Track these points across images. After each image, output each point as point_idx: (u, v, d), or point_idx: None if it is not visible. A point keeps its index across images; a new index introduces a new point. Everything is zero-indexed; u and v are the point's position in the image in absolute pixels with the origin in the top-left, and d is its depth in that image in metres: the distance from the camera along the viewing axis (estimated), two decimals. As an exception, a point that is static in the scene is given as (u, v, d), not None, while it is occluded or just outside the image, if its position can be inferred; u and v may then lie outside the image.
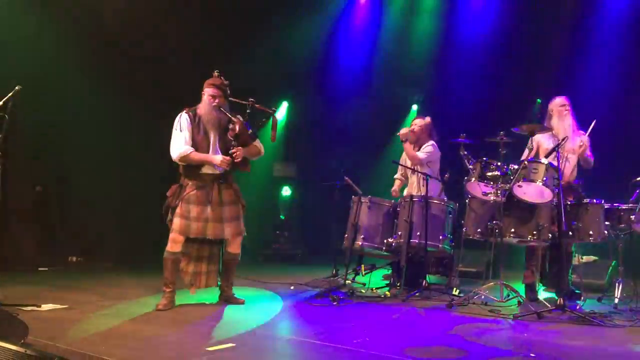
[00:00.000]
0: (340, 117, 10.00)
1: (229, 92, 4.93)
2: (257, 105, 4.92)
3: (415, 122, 6.36)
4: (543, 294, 5.72)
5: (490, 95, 8.71)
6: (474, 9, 9.42)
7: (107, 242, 7.81)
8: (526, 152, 5.41)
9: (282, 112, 10.44)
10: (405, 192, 6.33)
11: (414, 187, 6.21)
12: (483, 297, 5.06)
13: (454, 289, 5.69)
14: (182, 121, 4.81)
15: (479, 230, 5.30)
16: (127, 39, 7.76)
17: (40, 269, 6.82)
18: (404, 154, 6.42)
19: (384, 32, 10.11)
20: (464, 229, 5.43)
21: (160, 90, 7.72)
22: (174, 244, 4.74)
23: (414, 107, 10.43)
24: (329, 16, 10.05)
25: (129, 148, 7.91)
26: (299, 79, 9.89)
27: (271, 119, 4.94)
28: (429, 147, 6.16)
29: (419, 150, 6.19)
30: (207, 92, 4.88)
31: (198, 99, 4.93)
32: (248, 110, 4.89)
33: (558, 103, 5.72)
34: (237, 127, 4.82)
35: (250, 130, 4.90)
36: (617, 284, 5.28)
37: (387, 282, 6.13)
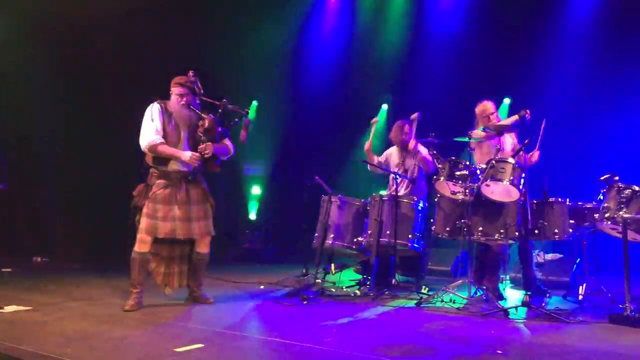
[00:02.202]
0: (309, 116, 10.00)
1: (197, 87, 4.85)
2: (230, 106, 4.87)
3: (406, 130, 6.28)
4: (509, 291, 5.80)
5: (459, 95, 8.80)
6: (443, 9, 9.52)
7: (72, 242, 7.67)
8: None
9: (250, 110, 10.40)
10: (384, 192, 6.35)
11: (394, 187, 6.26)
12: (452, 295, 5.11)
13: (423, 287, 5.73)
14: (153, 111, 4.75)
15: (447, 228, 5.35)
16: (91, 39, 7.64)
17: (3, 269, 6.65)
18: (388, 153, 6.45)
19: (354, 31, 10.14)
20: (432, 228, 5.48)
21: (125, 90, 7.62)
22: (142, 244, 4.68)
23: (384, 106, 10.49)
24: (300, 15, 10.04)
25: (95, 147, 7.79)
26: (268, 78, 9.86)
27: (243, 120, 4.91)
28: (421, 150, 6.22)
29: (407, 155, 6.26)
30: (174, 91, 4.82)
31: (164, 99, 4.87)
32: (220, 111, 4.85)
33: (485, 110, 5.74)
34: (206, 122, 4.77)
35: (221, 129, 4.87)
36: (581, 281, 5.38)
37: (357, 280, 6.15)
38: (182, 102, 4.78)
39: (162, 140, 4.71)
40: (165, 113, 4.77)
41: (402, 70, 9.70)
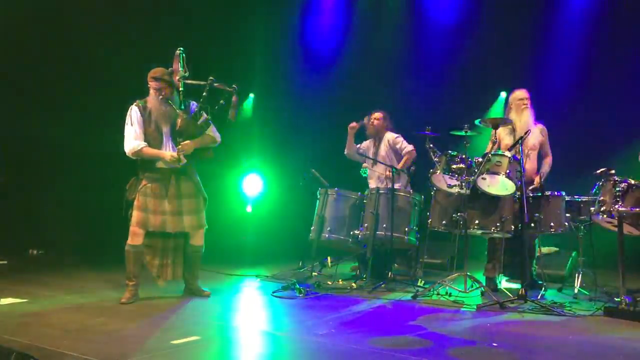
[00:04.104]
0: (306, 110, 9.97)
1: (178, 79, 4.71)
2: (216, 84, 4.75)
3: (375, 115, 6.41)
4: (506, 284, 5.83)
5: (455, 89, 8.80)
6: (439, 1, 9.48)
7: (69, 235, 7.64)
8: (490, 145, 5.49)
9: (248, 103, 10.37)
10: (370, 184, 6.37)
11: (373, 180, 6.28)
12: (447, 288, 5.13)
13: (419, 280, 5.75)
14: (132, 115, 4.72)
15: (443, 222, 5.36)
16: (85, 31, 7.58)
17: (-1, 262, 6.65)
18: (366, 143, 6.48)
19: (351, 23, 10.10)
20: (429, 221, 5.48)
21: (119, 83, 7.58)
22: (134, 236, 4.68)
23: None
24: (296, 7, 9.99)
25: (90, 141, 7.74)
26: (266, 70, 9.82)
27: (231, 98, 4.76)
28: (389, 137, 6.25)
29: (380, 144, 6.26)
30: (151, 86, 4.77)
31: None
32: (205, 93, 4.72)
33: (517, 96, 5.75)
34: (178, 123, 4.72)
35: (204, 117, 4.77)
36: (577, 274, 5.40)
37: (354, 273, 6.17)
38: (160, 97, 4.74)
39: (144, 144, 4.69)
40: (144, 114, 4.73)
41: (400, 62, 9.68)
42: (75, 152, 7.78)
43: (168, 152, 4.73)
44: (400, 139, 6.26)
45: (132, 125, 4.70)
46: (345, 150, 6.49)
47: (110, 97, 7.46)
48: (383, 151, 6.27)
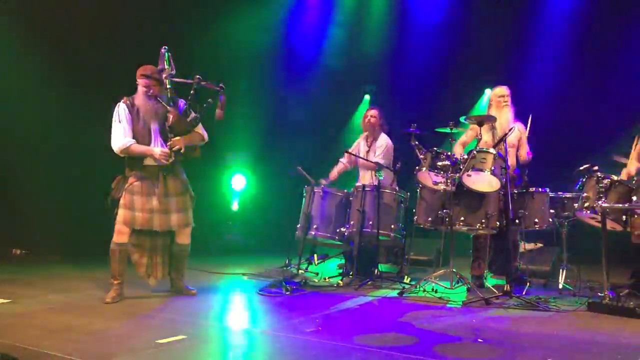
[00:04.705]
0: (293, 107, 9.96)
1: (171, 67, 4.70)
2: (203, 83, 4.71)
3: (371, 113, 6.42)
4: (491, 281, 5.86)
5: (441, 86, 8.83)
6: (424, 1, 9.52)
7: (52, 235, 7.56)
8: (463, 137, 5.68)
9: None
10: (357, 182, 6.39)
11: (367, 177, 6.29)
12: (433, 284, 5.15)
13: (405, 277, 5.77)
14: (120, 112, 4.68)
15: (429, 219, 5.38)
16: (70, 29, 7.51)
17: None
18: (356, 143, 6.50)
19: (336, 20, 10.10)
20: (414, 218, 5.50)
21: (102, 80, 7.51)
22: (120, 235, 4.64)
23: (367, 97, 10.50)
24: (282, 3, 9.96)
25: (74, 139, 7.67)
26: (251, 68, 9.79)
27: (218, 97, 4.73)
28: (381, 143, 6.29)
29: (374, 140, 6.28)
30: (140, 83, 4.74)
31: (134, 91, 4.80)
32: (192, 91, 4.69)
33: (497, 93, 5.77)
34: (170, 118, 4.69)
35: (193, 115, 4.73)
36: (561, 270, 5.45)
37: (341, 271, 6.17)
38: (149, 94, 4.71)
39: (133, 141, 4.65)
40: (133, 111, 4.70)
41: (385, 60, 9.70)
42: (60, 149, 7.71)
43: (158, 148, 4.71)
44: (383, 148, 6.27)
45: (120, 122, 4.66)
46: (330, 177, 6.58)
47: (95, 93, 7.40)
48: (378, 150, 6.29)
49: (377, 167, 5.86)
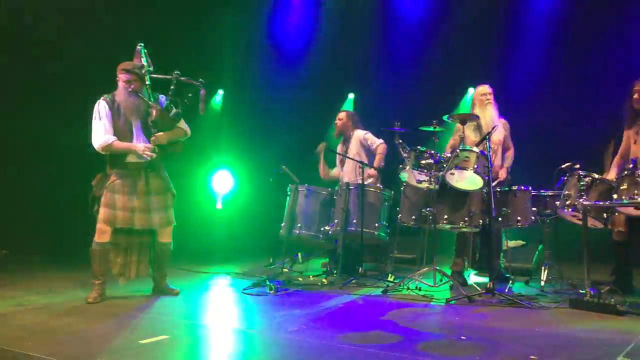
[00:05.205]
0: (277, 106, 9.94)
1: (148, 63, 4.70)
2: (182, 79, 4.70)
3: (338, 116, 6.50)
4: (474, 278, 5.90)
5: (424, 84, 8.86)
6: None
7: (33, 235, 7.48)
8: (451, 141, 5.60)
9: (217, 99, 10.27)
10: (340, 179, 6.40)
11: (351, 174, 6.29)
12: (417, 282, 5.17)
13: (389, 275, 5.78)
14: (100, 109, 4.63)
15: (413, 217, 5.40)
16: (48, 28, 7.43)
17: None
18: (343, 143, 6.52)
19: (320, 18, 10.08)
20: (398, 216, 5.52)
21: (81, 79, 7.44)
22: (101, 234, 4.60)
23: (351, 95, 10.50)
24: (266, 2, 9.93)
25: (54, 138, 7.59)
26: (235, 66, 9.75)
27: (199, 92, 4.72)
28: (370, 135, 6.28)
29: (349, 142, 6.34)
30: (121, 78, 4.70)
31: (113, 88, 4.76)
32: (172, 86, 4.67)
33: (480, 92, 5.82)
34: (153, 113, 4.67)
35: (175, 111, 4.70)
36: (543, 267, 5.50)
37: (325, 270, 6.17)
38: (130, 90, 4.67)
39: (114, 137, 4.62)
40: (113, 107, 4.66)
41: (369, 58, 9.71)
42: (40, 147, 7.62)
43: (141, 144, 4.67)
44: (370, 134, 6.30)
45: (100, 119, 4.61)
46: (321, 174, 6.57)
47: (76, 90, 7.33)
48: (354, 149, 6.30)
49: (362, 165, 5.86)
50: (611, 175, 5.15)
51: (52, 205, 7.60)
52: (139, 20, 7.88)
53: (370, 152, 6.27)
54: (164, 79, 4.72)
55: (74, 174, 6.64)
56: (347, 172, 6.34)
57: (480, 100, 5.76)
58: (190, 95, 4.72)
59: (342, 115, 6.48)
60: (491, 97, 5.75)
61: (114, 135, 4.64)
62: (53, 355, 3.07)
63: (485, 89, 5.79)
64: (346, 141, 6.42)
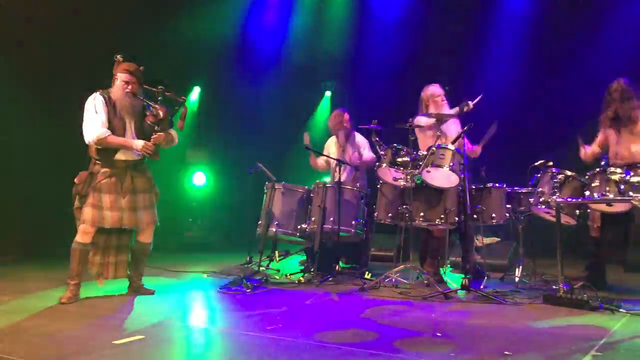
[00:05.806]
0: (253, 103, 9.91)
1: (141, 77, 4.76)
2: (167, 93, 4.76)
3: (346, 117, 6.42)
4: (449, 275, 5.95)
5: (401, 82, 8.90)
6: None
7: (7, 234, 7.35)
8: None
9: (194, 96, 10.20)
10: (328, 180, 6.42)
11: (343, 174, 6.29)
12: (394, 280, 5.19)
13: (366, 273, 5.80)
14: (97, 103, 4.57)
15: (390, 214, 5.43)
16: (28, 27, 7.32)
17: None
18: (326, 146, 6.51)
19: (297, 17, 10.07)
20: (375, 214, 5.54)
21: (61, 79, 7.34)
22: (85, 234, 4.54)
23: (327, 93, 10.51)
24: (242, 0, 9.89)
25: (31, 137, 7.46)
26: (211, 64, 9.69)
27: (181, 108, 4.83)
28: (360, 140, 6.42)
29: (347, 143, 6.37)
30: (121, 77, 4.67)
31: (100, 86, 4.70)
32: (160, 98, 4.73)
33: (434, 93, 5.75)
34: (161, 113, 4.68)
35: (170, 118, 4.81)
36: (517, 264, 5.57)
37: (302, 267, 6.17)
38: (127, 90, 4.64)
39: (109, 132, 4.57)
40: (109, 104, 4.62)
41: (345, 56, 9.73)
42: (17, 144, 7.49)
43: (140, 140, 4.63)
44: (366, 143, 6.37)
45: (97, 113, 4.54)
46: (317, 164, 6.59)
47: (54, 88, 7.23)
48: (351, 150, 6.32)
49: (338, 163, 5.86)
50: (593, 147, 5.27)
51: (30, 203, 7.47)
52: (114, 18, 7.80)
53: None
54: (151, 90, 4.77)
55: (52, 174, 6.55)
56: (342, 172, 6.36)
57: (435, 102, 5.74)
58: (176, 108, 4.85)
59: (347, 116, 6.44)
60: (444, 97, 5.78)
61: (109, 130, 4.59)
62: (25, 357, 3.02)
63: (438, 89, 5.78)
64: (342, 139, 6.40)
